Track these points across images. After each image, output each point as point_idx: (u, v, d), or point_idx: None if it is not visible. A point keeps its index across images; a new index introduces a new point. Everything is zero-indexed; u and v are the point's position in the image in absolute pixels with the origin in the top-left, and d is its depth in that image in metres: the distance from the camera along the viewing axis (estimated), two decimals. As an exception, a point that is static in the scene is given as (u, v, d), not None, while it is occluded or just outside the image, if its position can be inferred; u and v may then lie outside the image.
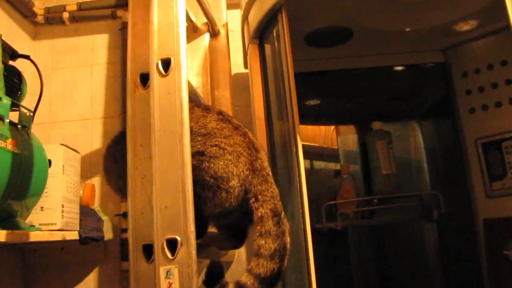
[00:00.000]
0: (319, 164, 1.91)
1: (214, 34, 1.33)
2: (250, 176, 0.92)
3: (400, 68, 1.68)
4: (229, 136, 0.94)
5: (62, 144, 1.42)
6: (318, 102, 1.94)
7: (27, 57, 1.32)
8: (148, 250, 0.80)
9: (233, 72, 1.61)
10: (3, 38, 1.26)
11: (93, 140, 1.75)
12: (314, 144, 2.26)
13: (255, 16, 1.24)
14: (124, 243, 1.62)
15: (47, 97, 1.73)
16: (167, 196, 0.78)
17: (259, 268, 0.84)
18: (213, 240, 1.02)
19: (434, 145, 1.77)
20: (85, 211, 1.50)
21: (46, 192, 1.30)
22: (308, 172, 1.86)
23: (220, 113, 1.00)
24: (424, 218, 1.54)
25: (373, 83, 1.70)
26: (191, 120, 0.91)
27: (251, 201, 0.90)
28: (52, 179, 1.32)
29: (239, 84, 1.52)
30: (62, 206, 1.36)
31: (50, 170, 1.32)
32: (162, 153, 0.80)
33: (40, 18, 1.80)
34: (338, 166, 1.80)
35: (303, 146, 2.24)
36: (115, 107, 1.77)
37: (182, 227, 0.76)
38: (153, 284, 0.76)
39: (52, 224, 1.33)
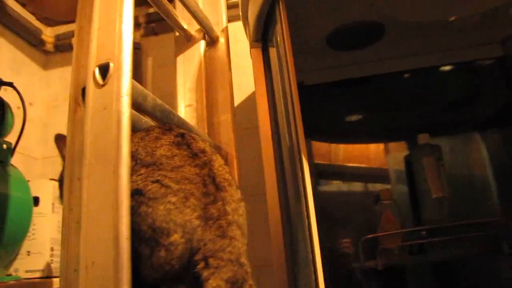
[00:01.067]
0: (367, 188, 1.65)
1: (211, 41, 1.12)
2: (200, 228, 0.65)
3: (448, 67, 1.39)
4: (178, 167, 0.68)
5: (52, 179, 1.27)
6: (360, 117, 1.69)
7: (9, 84, 1.19)
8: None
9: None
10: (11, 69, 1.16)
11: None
12: (356, 165, 2.00)
13: (252, 13, 1.03)
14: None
15: (52, 128, 1.61)
16: (94, 247, 0.57)
17: None
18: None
19: (501, 159, 1.44)
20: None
21: (32, 234, 1.14)
22: (348, 198, 1.60)
23: (181, 135, 0.75)
24: (491, 252, 1.21)
25: (419, 88, 1.42)
26: (141, 143, 0.70)
27: (199, 266, 0.62)
28: (40, 219, 1.17)
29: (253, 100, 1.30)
30: (52, 249, 1.19)
31: (37, 209, 1.17)
32: (92, 188, 0.60)
33: (49, 47, 1.71)
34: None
35: (347, 167, 1.98)
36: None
37: (111, 292, 0.54)
38: None
39: (40, 271, 1.16)
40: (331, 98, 1.59)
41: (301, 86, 1.46)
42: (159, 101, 0.79)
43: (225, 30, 1.15)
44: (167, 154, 0.69)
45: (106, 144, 0.61)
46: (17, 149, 1.19)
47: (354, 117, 1.71)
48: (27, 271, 1.16)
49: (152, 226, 0.62)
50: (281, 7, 0.93)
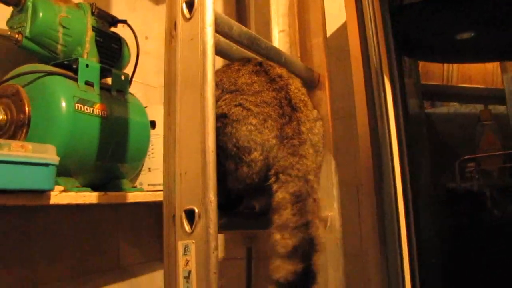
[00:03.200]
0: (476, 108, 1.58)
1: (302, -36, 1.13)
2: (276, 147, 0.72)
3: None
4: (258, 92, 0.75)
5: (165, 105, 1.42)
6: (472, 35, 1.58)
7: (124, 21, 1.32)
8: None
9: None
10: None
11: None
12: (470, 85, 1.90)
13: None
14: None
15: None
16: (186, 160, 0.67)
17: (277, 271, 0.67)
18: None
19: None
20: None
21: (152, 153, 1.32)
22: (449, 118, 1.55)
23: (259, 64, 0.80)
24: None
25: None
26: (224, 75, 0.77)
27: (270, 180, 0.71)
28: (157, 140, 1.34)
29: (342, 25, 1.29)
30: (168, 167, 1.37)
31: (154, 131, 1.34)
32: (183, 109, 0.69)
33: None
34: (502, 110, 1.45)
35: (459, 88, 1.88)
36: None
37: (200, 197, 0.65)
38: (180, 259, 0.67)
39: (158, 184, 1.35)
40: (436, 16, 1.50)
41: (400, 6, 1.41)
42: (245, 29, 0.85)
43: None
44: (248, 81, 0.77)
45: (194, 71, 0.69)
46: (137, 79, 1.35)
47: (464, 35, 1.61)
48: (149, 185, 1.35)
49: (236, 145, 0.72)
50: None
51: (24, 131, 1.02)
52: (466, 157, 1.20)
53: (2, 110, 1.03)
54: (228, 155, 0.73)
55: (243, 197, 0.81)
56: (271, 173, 0.73)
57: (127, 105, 1.23)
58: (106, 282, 1.42)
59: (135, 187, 1.33)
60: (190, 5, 0.72)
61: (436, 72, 2.01)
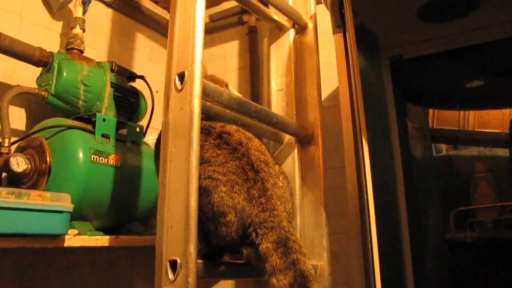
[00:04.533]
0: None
1: (300, 29, 1.23)
2: (247, 208, 0.84)
3: None
4: (223, 163, 0.87)
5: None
6: (482, 83, 1.65)
7: (141, 77, 1.46)
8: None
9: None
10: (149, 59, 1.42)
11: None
12: (483, 130, 1.94)
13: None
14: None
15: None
16: (174, 215, 0.77)
17: None
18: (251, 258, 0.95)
19: None
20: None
21: (163, 198, 1.42)
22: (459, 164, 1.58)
23: (219, 136, 0.92)
24: None
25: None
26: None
27: (252, 236, 0.83)
28: (168, 186, 1.43)
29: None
30: (178, 211, 1.46)
31: (166, 178, 1.43)
32: (172, 169, 0.79)
33: (179, 35, 1.97)
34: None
35: (466, 132, 1.91)
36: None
37: (182, 250, 0.74)
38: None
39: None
40: (437, 67, 1.57)
41: (399, 60, 1.50)
42: (234, 96, 0.95)
43: (314, 17, 1.24)
44: (213, 154, 0.90)
45: (182, 136, 0.79)
46: (154, 125, 1.46)
47: (468, 83, 1.67)
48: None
49: (212, 210, 0.84)
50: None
51: (46, 179, 1.14)
52: (461, 208, 1.24)
53: (27, 160, 1.16)
54: (207, 217, 0.84)
55: (224, 251, 0.91)
56: (250, 230, 0.84)
57: (140, 154, 1.35)
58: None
59: (146, 230, 1.42)
60: (182, 78, 0.83)
61: (453, 117, 2.06)
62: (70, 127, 1.20)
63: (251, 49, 1.86)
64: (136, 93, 1.45)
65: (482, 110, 1.89)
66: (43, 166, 1.15)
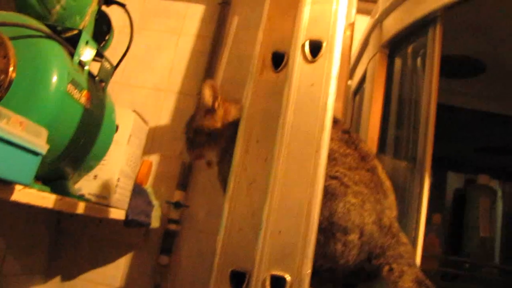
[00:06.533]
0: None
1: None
2: (376, 234, 0.67)
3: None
4: (354, 168, 0.69)
5: (134, 111, 1.25)
6: None
7: (122, 5, 1.15)
8: (237, 280, 0.60)
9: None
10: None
11: (162, 114, 1.58)
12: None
13: (394, 23, 1.03)
14: (168, 235, 1.44)
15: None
16: (284, 218, 0.58)
17: None
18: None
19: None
20: (137, 190, 1.33)
21: (104, 160, 1.13)
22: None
23: (347, 131, 0.74)
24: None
25: (490, 129, 1.46)
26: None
27: (384, 269, 0.66)
28: (115, 147, 1.15)
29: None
30: (118, 179, 1.19)
31: (115, 136, 1.15)
32: (289, 159, 0.60)
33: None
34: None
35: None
36: (194, 85, 1.59)
37: (297, 265, 0.56)
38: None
39: (103, 197, 1.16)
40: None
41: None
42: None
43: (352, 25, 1.14)
44: (340, 150, 0.70)
45: (310, 120, 0.61)
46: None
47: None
48: (89, 194, 1.15)
49: (329, 219, 0.65)
50: (437, 28, 0.93)
51: (1, 94, 0.79)
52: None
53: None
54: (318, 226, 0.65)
55: (323, 278, 0.71)
56: (381, 262, 0.67)
57: (105, 100, 1.05)
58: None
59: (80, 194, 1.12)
60: (316, 48, 0.65)
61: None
62: (49, 36, 0.86)
63: (219, 20, 1.65)
64: (109, 21, 1.14)
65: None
66: (1, 76, 0.79)
